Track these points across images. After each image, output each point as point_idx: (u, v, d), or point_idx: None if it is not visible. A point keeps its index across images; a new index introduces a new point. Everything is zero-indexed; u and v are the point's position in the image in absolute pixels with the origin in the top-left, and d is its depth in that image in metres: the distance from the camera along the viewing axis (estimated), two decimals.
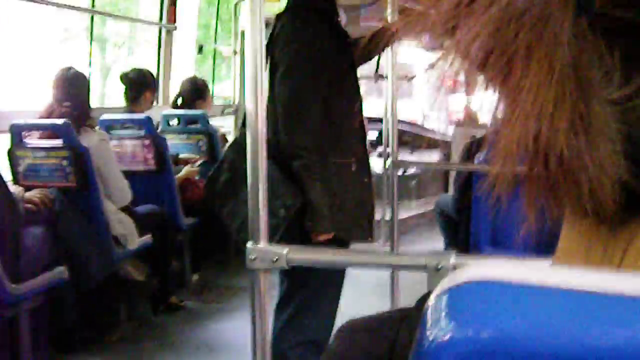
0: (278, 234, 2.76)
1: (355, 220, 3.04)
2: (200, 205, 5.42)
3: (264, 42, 1.80)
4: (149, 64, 6.23)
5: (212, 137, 5.99)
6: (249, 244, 1.78)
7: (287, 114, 2.89)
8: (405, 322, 0.55)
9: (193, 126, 6.03)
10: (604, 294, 0.39)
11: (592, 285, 0.40)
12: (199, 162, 5.78)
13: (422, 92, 12.38)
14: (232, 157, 3.01)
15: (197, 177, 5.67)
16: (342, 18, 3.35)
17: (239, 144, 2.89)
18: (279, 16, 3.05)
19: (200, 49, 7.98)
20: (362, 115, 3.17)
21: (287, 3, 3.06)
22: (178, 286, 5.40)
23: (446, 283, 0.42)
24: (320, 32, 2.95)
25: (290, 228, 2.84)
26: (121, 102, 5.47)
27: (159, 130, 5.60)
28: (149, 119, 5.05)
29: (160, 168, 5.08)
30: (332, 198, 2.92)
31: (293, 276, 3.06)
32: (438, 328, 0.40)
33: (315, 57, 2.91)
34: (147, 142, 5.02)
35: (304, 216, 2.87)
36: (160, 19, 6.78)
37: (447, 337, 0.39)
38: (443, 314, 0.41)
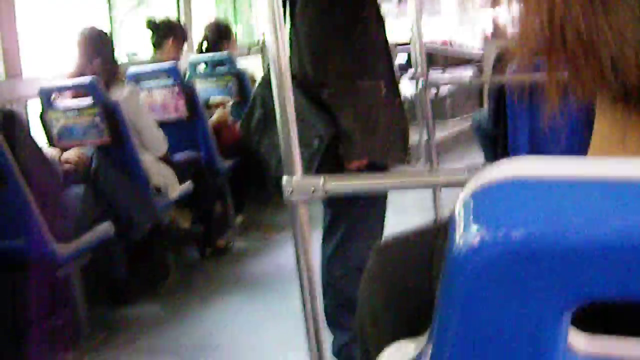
0: (314, 165, 2.77)
1: (389, 143, 3.01)
2: (237, 147, 5.43)
3: None
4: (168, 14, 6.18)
5: (241, 78, 5.96)
6: (285, 177, 1.78)
7: (310, 44, 2.87)
8: (441, 230, 0.53)
9: (221, 69, 6.01)
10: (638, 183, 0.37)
11: (626, 175, 0.38)
12: (230, 104, 5.77)
13: (449, 9, 12.21)
14: (263, 94, 3.00)
15: (230, 119, 5.67)
16: None
17: (268, 80, 2.88)
18: None
19: None
20: (386, 38, 3.11)
21: None
22: (223, 229, 5.44)
23: (472, 184, 0.40)
24: None
25: (326, 158, 2.83)
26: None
27: (187, 77, 5.59)
28: (175, 67, 5.03)
29: (192, 114, 5.07)
30: (364, 123, 2.89)
31: (335, 205, 3.08)
32: (466, 232, 0.38)
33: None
34: (176, 90, 5.01)
35: (338, 145, 2.86)
36: None
37: (475, 241, 0.37)
38: (471, 216, 0.39)
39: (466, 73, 9.13)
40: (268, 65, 2.79)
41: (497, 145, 4.71)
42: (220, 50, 6.10)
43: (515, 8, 0.44)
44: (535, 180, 0.39)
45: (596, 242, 0.36)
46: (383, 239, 0.64)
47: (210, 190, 5.15)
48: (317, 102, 2.88)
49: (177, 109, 5.05)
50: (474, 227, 0.38)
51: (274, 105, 2.42)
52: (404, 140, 3.12)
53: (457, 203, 0.41)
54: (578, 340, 0.39)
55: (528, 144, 3.75)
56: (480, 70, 8.86)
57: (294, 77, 2.69)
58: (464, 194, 0.40)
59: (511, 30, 0.45)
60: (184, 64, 5.73)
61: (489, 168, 0.41)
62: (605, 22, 0.39)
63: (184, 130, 5.11)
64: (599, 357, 0.39)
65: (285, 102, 1.81)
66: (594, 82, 0.43)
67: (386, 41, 3.12)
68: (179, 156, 4.90)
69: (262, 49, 7.80)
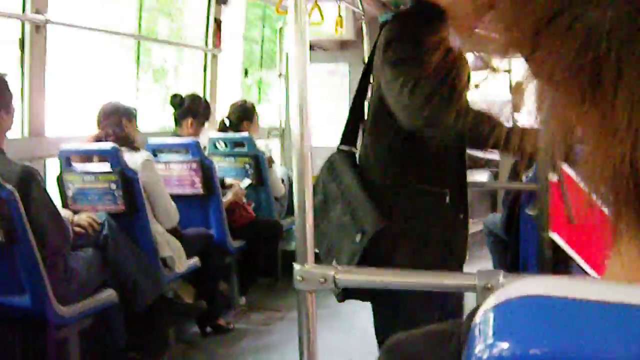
0: (355, 260, 2.41)
1: (440, 261, 2.58)
2: (249, 229, 5.45)
3: (308, 64, 1.77)
4: (195, 90, 6.28)
5: (258, 160, 5.99)
6: (296, 265, 1.76)
7: (375, 147, 2.61)
8: (454, 336, 0.53)
9: (240, 149, 6.05)
10: None
11: None
12: (246, 185, 5.79)
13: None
14: (325, 179, 2.71)
15: (244, 200, 5.69)
16: None
17: (331, 162, 2.71)
18: (382, 24, 2.56)
19: (246, 73, 8.03)
20: (461, 149, 2.72)
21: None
22: (226, 308, 5.41)
23: (494, 299, 0.41)
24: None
25: (372, 255, 2.42)
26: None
27: (206, 154, 5.62)
28: (196, 143, 5.07)
29: (208, 191, 5.10)
30: (416, 229, 2.54)
31: (380, 302, 2.69)
32: (486, 345, 0.39)
33: (418, 56, 2.26)
34: (194, 165, 5.05)
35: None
36: (206, 43, 6.83)
37: (495, 355, 0.38)
38: (491, 331, 0.39)
39: (482, 176, 9.13)
40: (339, 146, 2.73)
41: (507, 252, 4.71)
42: (241, 130, 6.15)
43: (582, 132, 0.44)
44: (558, 300, 0.39)
45: None
46: (394, 335, 0.64)
47: (217, 269, 5.14)
48: (373, 193, 2.52)
49: (193, 185, 5.08)
50: (494, 341, 0.38)
51: (331, 189, 2.40)
52: (460, 261, 2.74)
53: (478, 315, 0.41)
54: None
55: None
56: (495, 175, 8.86)
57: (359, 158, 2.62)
58: (486, 306, 0.41)
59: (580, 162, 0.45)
60: (204, 140, 5.78)
61: (513, 283, 0.42)
62: None
63: (198, 206, 5.13)
64: None
65: (305, 188, 1.78)
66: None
67: (461, 153, 2.72)
68: (190, 231, 4.91)
69: (282, 134, 7.87)
